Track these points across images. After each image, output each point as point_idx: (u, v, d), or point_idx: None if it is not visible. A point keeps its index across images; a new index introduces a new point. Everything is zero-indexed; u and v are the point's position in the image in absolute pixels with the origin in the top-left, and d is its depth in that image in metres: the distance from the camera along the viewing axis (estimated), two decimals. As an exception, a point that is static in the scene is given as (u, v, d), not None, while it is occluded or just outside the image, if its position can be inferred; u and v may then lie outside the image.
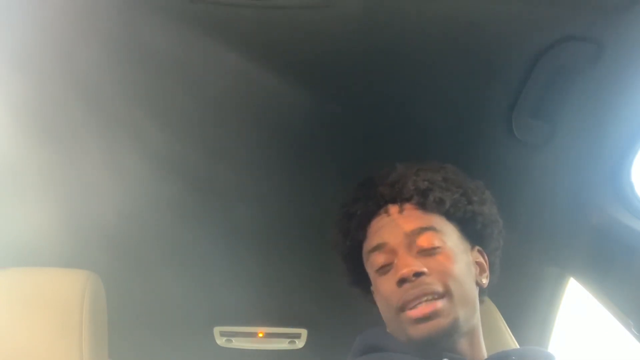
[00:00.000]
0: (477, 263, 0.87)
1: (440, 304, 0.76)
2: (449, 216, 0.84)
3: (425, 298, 0.76)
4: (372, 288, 0.90)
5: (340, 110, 1.03)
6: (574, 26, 0.85)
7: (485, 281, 0.87)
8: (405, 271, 0.77)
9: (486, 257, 0.89)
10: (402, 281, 0.77)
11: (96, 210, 1.16)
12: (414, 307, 0.76)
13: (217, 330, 1.48)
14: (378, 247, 0.83)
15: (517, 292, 1.26)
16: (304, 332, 1.48)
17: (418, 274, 0.77)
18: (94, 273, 1.03)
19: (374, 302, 0.93)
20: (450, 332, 0.77)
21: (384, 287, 0.81)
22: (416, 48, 0.90)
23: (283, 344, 1.50)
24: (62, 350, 0.92)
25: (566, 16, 0.84)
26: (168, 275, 1.33)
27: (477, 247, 0.88)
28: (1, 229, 1.19)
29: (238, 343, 1.50)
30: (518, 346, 1.02)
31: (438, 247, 0.80)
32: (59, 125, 1.03)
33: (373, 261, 0.84)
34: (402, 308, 0.77)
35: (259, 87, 0.97)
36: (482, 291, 0.87)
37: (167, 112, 1.02)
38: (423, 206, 0.83)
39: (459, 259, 0.81)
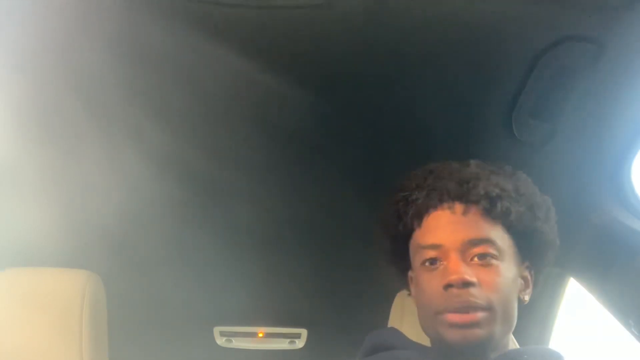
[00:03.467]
0: (523, 277, 0.85)
1: (481, 315, 0.75)
2: (510, 228, 0.82)
3: (468, 309, 0.76)
4: (411, 274, 0.89)
5: (340, 110, 1.03)
6: (574, 26, 0.85)
7: (527, 298, 0.85)
8: (454, 277, 0.76)
9: (532, 274, 0.87)
10: (449, 286, 0.76)
11: (96, 210, 1.16)
12: (455, 313, 0.76)
13: (217, 330, 1.48)
14: (433, 247, 0.81)
15: (517, 292, 1.26)
16: (304, 332, 1.48)
17: (467, 284, 0.76)
18: (94, 273, 1.03)
19: (405, 283, 0.91)
20: (485, 345, 0.76)
21: (428, 285, 0.80)
22: (416, 48, 0.90)
23: (283, 344, 1.50)
24: (62, 350, 0.92)
25: (566, 16, 0.84)
26: (168, 275, 1.33)
27: (526, 263, 0.86)
28: (1, 229, 1.19)
29: (238, 343, 1.50)
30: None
31: (492, 260, 0.78)
32: (59, 125, 1.03)
33: (422, 255, 0.82)
34: (443, 311, 0.77)
35: (259, 87, 0.97)
36: None
37: (167, 112, 1.02)
38: (488, 213, 0.80)
39: (508, 274, 0.80)
